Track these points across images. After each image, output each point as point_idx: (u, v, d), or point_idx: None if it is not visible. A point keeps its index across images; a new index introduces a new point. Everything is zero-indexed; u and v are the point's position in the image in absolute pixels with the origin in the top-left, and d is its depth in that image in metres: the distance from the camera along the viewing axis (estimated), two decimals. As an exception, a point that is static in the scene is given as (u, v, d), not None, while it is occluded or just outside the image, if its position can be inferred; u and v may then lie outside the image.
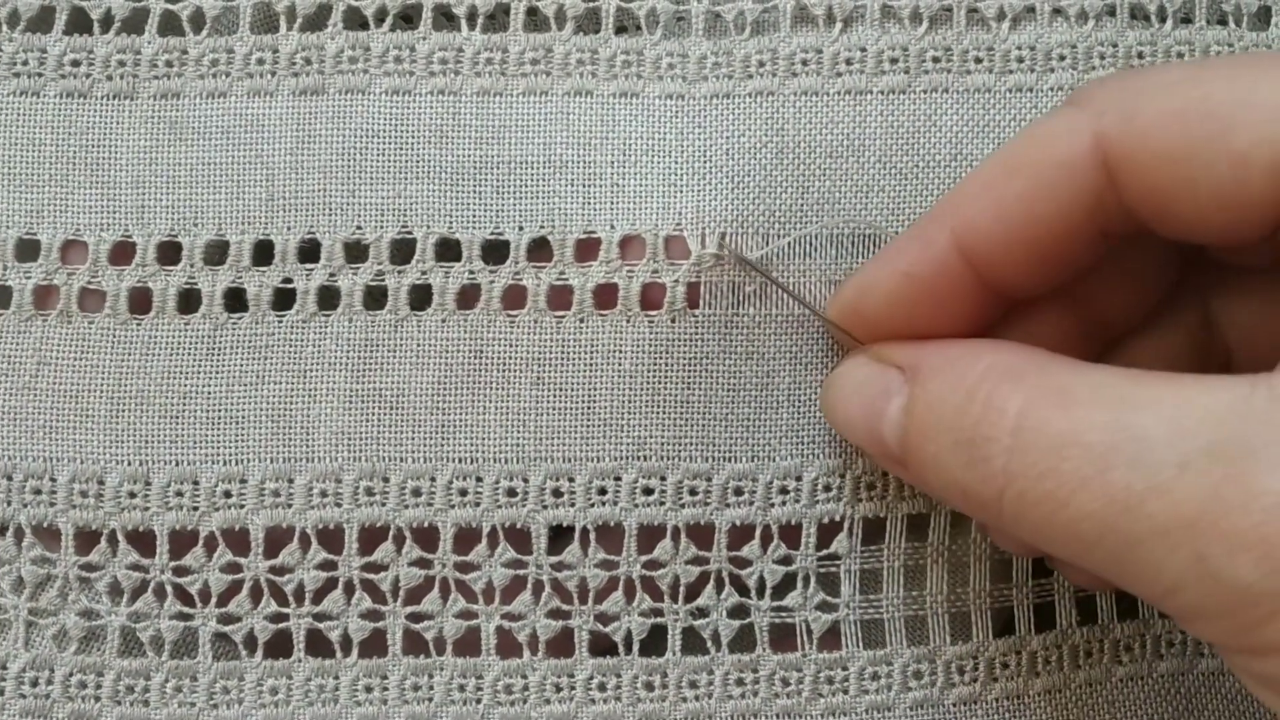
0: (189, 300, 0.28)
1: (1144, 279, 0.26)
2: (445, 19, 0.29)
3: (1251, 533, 0.19)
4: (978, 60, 0.28)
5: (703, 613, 0.28)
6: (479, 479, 0.27)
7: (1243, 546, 0.19)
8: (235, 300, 0.28)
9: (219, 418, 0.27)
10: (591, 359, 0.27)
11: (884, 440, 0.24)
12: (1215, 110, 0.21)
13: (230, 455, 0.27)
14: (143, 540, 0.27)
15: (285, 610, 0.27)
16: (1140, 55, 0.29)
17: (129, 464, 0.27)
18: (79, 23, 0.28)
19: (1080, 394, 0.21)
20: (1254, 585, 0.19)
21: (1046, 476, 0.21)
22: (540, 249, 0.28)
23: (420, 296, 0.28)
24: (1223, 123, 0.21)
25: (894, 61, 0.28)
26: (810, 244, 0.28)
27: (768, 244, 0.27)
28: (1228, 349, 0.26)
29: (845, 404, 0.25)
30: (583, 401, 0.27)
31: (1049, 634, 0.28)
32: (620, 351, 0.27)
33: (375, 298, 0.28)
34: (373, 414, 0.27)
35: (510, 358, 0.27)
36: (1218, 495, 0.19)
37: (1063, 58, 0.28)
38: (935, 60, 0.28)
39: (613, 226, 0.27)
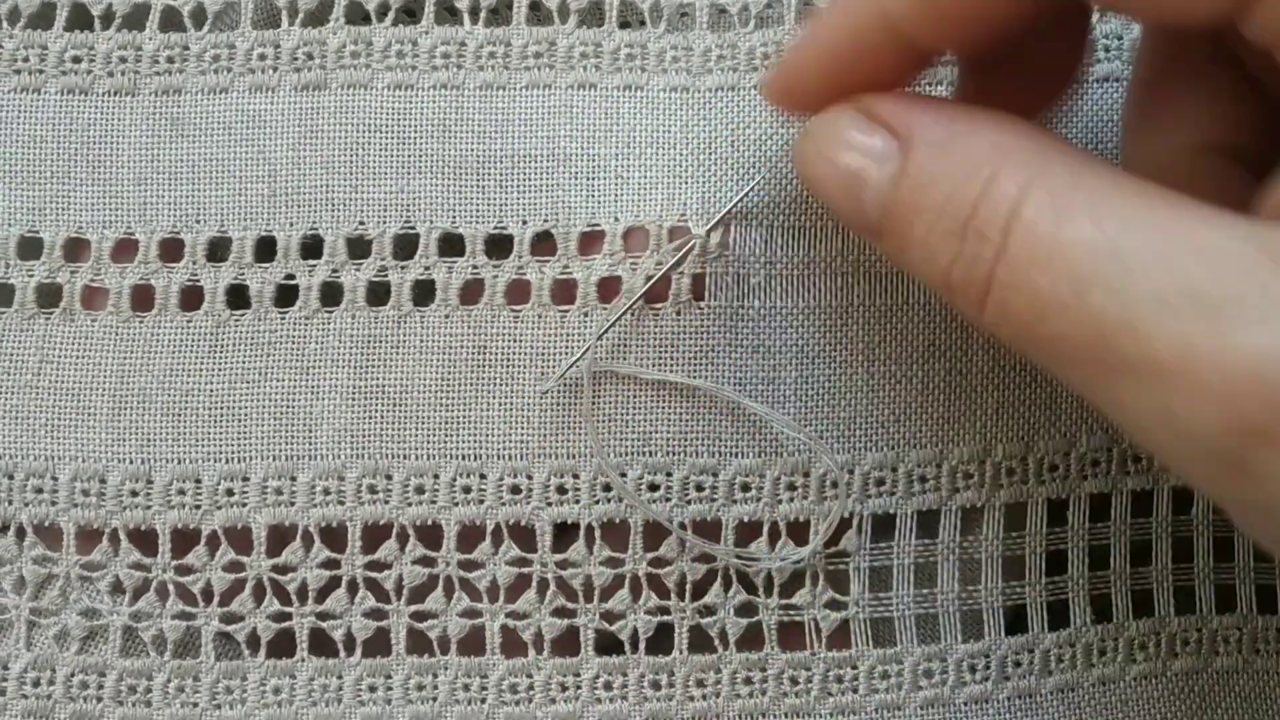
0: (191, 297, 0.28)
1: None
2: (448, 13, 0.28)
3: (1219, 388, 0.18)
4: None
5: (710, 610, 0.27)
6: (483, 476, 0.27)
7: (1209, 400, 0.18)
8: (238, 297, 0.28)
9: (221, 415, 0.27)
10: (596, 353, 0.27)
11: (863, 208, 0.22)
12: None
13: (233, 453, 0.27)
14: (145, 539, 0.27)
15: (288, 609, 0.27)
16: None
17: (131, 462, 0.27)
18: (80, 19, 0.28)
19: (1076, 201, 0.19)
20: (1216, 442, 0.18)
21: (1025, 290, 0.20)
22: (544, 243, 0.27)
23: (423, 292, 0.27)
24: None
25: None
26: (813, 233, 0.27)
27: (771, 235, 0.27)
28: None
29: (824, 160, 0.23)
30: (587, 397, 0.27)
31: (1063, 632, 0.28)
32: (624, 346, 0.27)
33: (378, 293, 0.27)
34: (376, 411, 0.27)
35: (514, 353, 0.27)
36: (1190, 344, 0.18)
37: None
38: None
39: (616, 219, 0.27)
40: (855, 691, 0.27)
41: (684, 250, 0.27)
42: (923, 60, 0.23)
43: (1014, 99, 0.23)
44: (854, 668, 0.28)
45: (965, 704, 0.28)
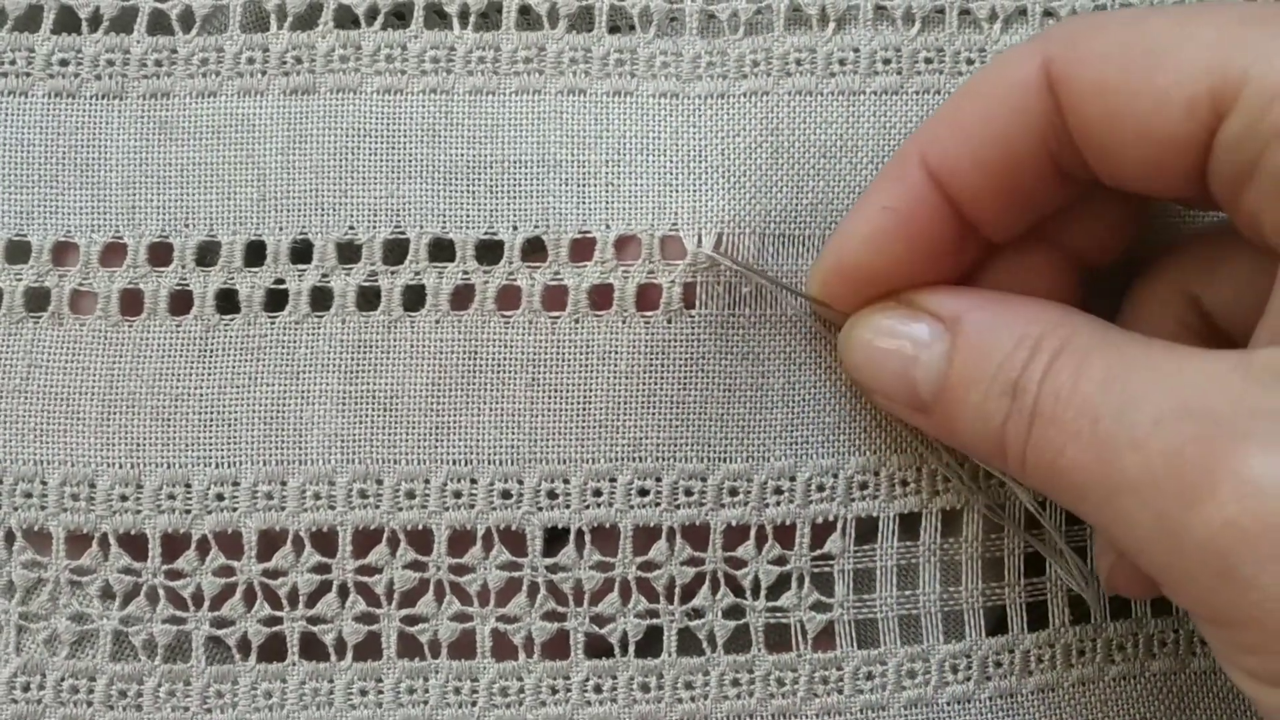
0: (180, 302, 0.28)
1: (1123, 232, 0.27)
2: (437, 17, 0.28)
3: (1206, 493, 0.19)
4: (969, 62, 0.29)
5: (698, 613, 0.28)
6: (474, 481, 0.27)
7: (1197, 505, 0.20)
8: (227, 301, 0.28)
9: (211, 420, 0.27)
10: (586, 360, 0.27)
11: (914, 386, 0.25)
12: (1151, 46, 0.22)
13: (223, 458, 0.27)
14: (135, 543, 0.27)
15: (279, 613, 0.27)
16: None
17: (120, 467, 0.27)
18: (67, 22, 0.28)
19: (1094, 352, 0.22)
20: (1206, 546, 0.20)
21: (1052, 424, 0.22)
22: (535, 249, 0.27)
23: (414, 297, 0.27)
24: (1154, 59, 0.22)
25: (887, 62, 0.28)
26: (802, 244, 0.28)
27: (763, 244, 0.27)
28: (1214, 324, 0.27)
29: (873, 347, 0.26)
30: (578, 403, 0.27)
31: (1042, 633, 0.28)
32: (615, 352, 0.27)
33: (368, 298, 0.28)
34: (366, 416, 0.27)
35: (505, 359, 0.27)
36: (1181, 453, 0.20)
37: None
38: (928, 61, 0.28)
39: (608, 226, 0.27)
40: (840, 692, 0.28)
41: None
42: (977, 244, 0.26)
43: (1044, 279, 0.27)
44: (839, 669, 0.28)
45: (948, 704, 0.28)
